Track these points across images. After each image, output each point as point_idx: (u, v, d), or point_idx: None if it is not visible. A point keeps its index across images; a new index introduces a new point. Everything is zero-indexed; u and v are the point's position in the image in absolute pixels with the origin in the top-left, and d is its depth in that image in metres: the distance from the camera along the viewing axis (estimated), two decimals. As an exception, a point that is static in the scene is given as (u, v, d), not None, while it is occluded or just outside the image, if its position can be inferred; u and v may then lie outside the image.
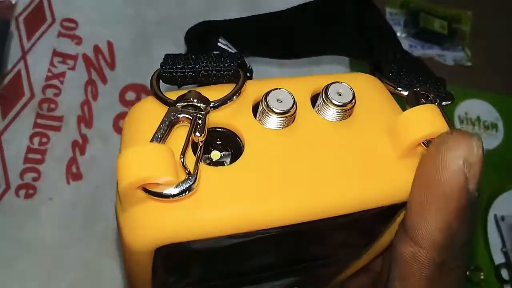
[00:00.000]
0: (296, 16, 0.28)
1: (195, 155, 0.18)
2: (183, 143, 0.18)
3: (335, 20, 0.27)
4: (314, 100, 0.20)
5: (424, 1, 0.54)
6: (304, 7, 0.27)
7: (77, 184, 0.39)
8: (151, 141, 0.18)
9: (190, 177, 0.17)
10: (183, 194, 0.17)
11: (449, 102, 0.22)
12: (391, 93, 0.22)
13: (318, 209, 0.19)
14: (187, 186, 0.17)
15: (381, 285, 0.22)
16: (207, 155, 0.19)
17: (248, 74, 0.22)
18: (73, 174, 0.39)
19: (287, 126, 0.19)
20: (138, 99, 0.42)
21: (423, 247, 0.19)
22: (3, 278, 0.35)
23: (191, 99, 0.19)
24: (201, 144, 0.18)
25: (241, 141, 0.19)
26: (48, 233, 0.37)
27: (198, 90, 0.19)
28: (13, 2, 0.43)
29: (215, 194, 0.18)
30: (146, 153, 0.17)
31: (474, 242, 0.46)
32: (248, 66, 0.21)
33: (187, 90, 0.19)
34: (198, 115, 0.18)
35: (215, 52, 0.20)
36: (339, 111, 0.20)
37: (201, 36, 0.26)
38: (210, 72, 0.20)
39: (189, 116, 0.18)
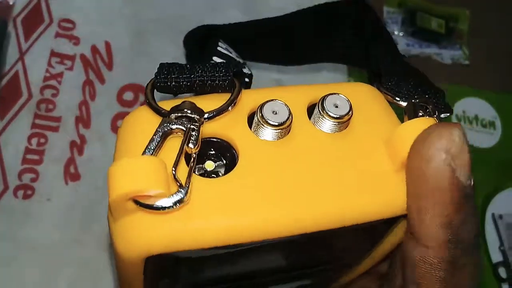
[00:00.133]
0: (295, 21, 0.28)
1: (188, 166, 0.18)
2: (176, 154, 0.18)
3: (333, 27, 0.26)
4: (310, 110, 0.20)
5: (421, 0, 0.55)
6: (303, 12, 0.27)
7: (75, 185, 0.39)
8: (144, 153, 0.18)
9: (182, 190, 0.17)
10: (175, 207, 0.17)
11: (448, 114, 0.22)
12: (389, 103, 0.22)
13: (312, 222, 0.18)
14: (178, 198, 0.17)
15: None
16: (201, 165, 0.19)
17: (247, 80, 0.22)
18: (71, 174, 0.39)
19: (282, 138, 0.19)
20: (136, 99, 0.42)
21: (430, 247, 0.19)
22: (1, 278, 0.35)
23: (185, 110, 0.19)
24: (194, 155, 0.18)
25: (236, 152, 0.19)
26: (46, 234, 0.37)
27: (193, 100, 0.19)
28: (11, 2, 0.43)
29: (207, 205, 0.18)
30: (137, 166, 0.17)
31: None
32: (247, 70, 0.21)
33: (182, 100, 0.19)
34: (192, 126, 0.18)
35: (211, 62, 0.20)
36: (336, 123, 0.20)
37: (201, 40, 0.26)
38: (205, 81, 0.19)
39: (183, 128, 0.18)
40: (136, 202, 0.17)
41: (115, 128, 0.41)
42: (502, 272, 0.45)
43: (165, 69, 0.20)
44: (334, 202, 0.19)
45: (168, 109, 0.19)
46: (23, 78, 0.41)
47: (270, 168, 0.19)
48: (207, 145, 0.19)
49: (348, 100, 0.20)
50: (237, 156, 0.19)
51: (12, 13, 0.42)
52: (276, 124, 0.19)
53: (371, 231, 0.22)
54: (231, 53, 0.25)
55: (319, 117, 0.20)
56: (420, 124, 0.19)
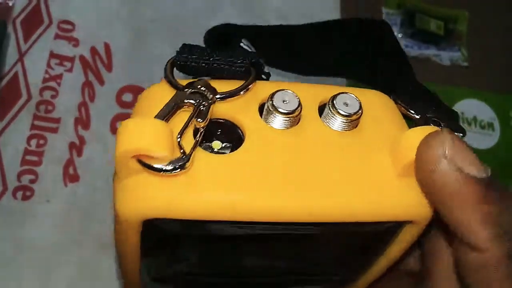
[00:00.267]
0: (314, 33, 0.28)
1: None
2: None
3: (351, 44, 0.27)
4: (321, 110, 0.21)
5: (420, 2, 0.55)
6: (323, 25, 0.27)
7: (74, 186, 0.39)
8: (154, 117, 0.18)
9: (184, 156, 0.18)
10: (175, 171, 0.18)
11: (461, 135, 0.22)
12: (402, 114, 0.22)
13: (309, 211, 0.19)
14: (179, 164, 0.18)
15: None
16: (208, 143, 0.20)
17: (264, 77, 0.22)
18: (71, 175, 0.39)
19: (290, 128, 0.20)
20: (135, 100, 0.42)
21: (482, 248, 0.18)
22: (0, 279, 0.35)
23: (199, 86, 0.19)
24: (202, 130, 0.19)
25: (243, 135, 0.20)
26: (45, 235, 0.37)
27: (209, 81, 0.20)
28: (10, 4, 0.43)
29: (210, 177, 0.18)
30: (146, 126, 0.17)
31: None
32: (265, 69, 0.22)
33: (198, 79, 0.20)
34: (203, 102, 0.19)
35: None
36: (345, 121, 0.20)
37: (221, 36, 0.26)
38: (222, 66, 0.20)
39: (194, 102, 0.19)
40: (140, 161, 0.17)
41: (114, 129, 0.41)
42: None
43: (186, 49, 0.21)
44: (332, 195, 0.19)
45: (184, 85, 0.20)
46: (23, 79, 0.41)
47: (274, 154, 0.19)
48: (216, 126, 0.20)
49: (358, 100, 0.20)
50: (244, 139, 0.20)
51: (12, 14, 0.43)
52: (286, 112, 0.19)
53: (373, 239, 0.23)
54: (252, 50, 0.26)
55: (328, 114, 0.20)
56: (426, 131, 0.19)
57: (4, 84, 0.40)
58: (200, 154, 0.19)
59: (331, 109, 0.20)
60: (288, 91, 0.20)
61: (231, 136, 0.20)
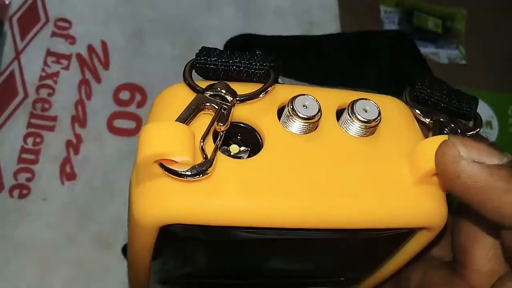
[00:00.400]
0: (334, 44, 0.28)
1: (214, 144, 0.18)
2: (205, 130, 0.18)
3: (371, 54, 0.27)
4: (339, 114, 0.21)
5: (418, 0, 0.55)
6: (343, 37, 0.28)
7: (71, 184, 0.39)
8: (176, 121, 0.18)
9: (206, 161, 0.18)
10: (197, 177, 0.17)
11: (474, 131, 0.22)
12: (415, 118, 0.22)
13: (328, 217, 0.19)
14: (202, 169, 0.17)
15: None
16: (226, 147, 0.20)
17: (281, 82, 0.22)
18: (67, 174, 0.39)
19: (308, 133, 0.20)
20: (132, 98, 0.42)
21: None
22: (-3, 278, 0.35)
23: (220, 89, 0.19)
24: (222, 133, 0.19)
25: (261, 139, 0.20)
26: (42, 233, 0.37)
27: (228, 83, 0.20)
28: (7, 2, 0.43)
29: (231, 183, 0.18)
30: (168, 130, 0.17)
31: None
32: (280, 80, 0.22)
33: (217, 81, 0.20)
34: (224, 105, 0.19)
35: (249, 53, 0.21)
36: (363, 127, 0.20)
37: (243, 45, 0.26)
38: (241, 68, 0.20)
39: (215, 105, 0.19)
40: (162, 166, 0.17)
41: (111, 127, 0.41)
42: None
43: (205, 51, 0.20)
44: (352, 202, 0.19)
45: (204, 87, 0.20)
46: (19, 77, 0.41)
47: (293, 159, 0.19)
48: (234, 129, 0.20)
49: (378, 107, 0.20)
50: (262, 144, 0.19)
51: (8, 12, 0.42)
52: (306, 117, 0.19)
53: (385, 243, 0.23)
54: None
55: (347, 119, 0.20)
56: (437, 142, 0.19)
57: (0, 82, 0.40)
58: (221, 158, 0.18)
59: (350, 115, 0.20)
60: (309, 96, 0.19)
61: (249, 139, 0.20)
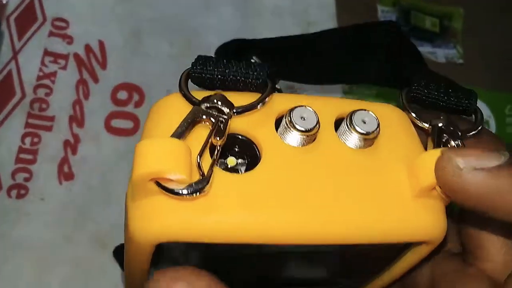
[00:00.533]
0: (330, 41, 0.28)
1: (211, 158, 0.18)
2: (202, 143, 0.18)
3: (367, 48, 0.27)
4: (337, 123, 0.20)
5: (416, -1, 0.55)
6: (338, 33, 0.27)
7: (69, 184, 0.39)
8: (171, 136, 0.18)
9: (203, 179, 0.17)
10: (194, 195, 0.17)
11: (474, 131, 0.22)
12: (414, 125, 0.22)
13: (326, 232, 0.19)
14: (199, 187, 0.17)
15: None
16: (223, 160, 0.19)
17: (278, 87, 0.22)
18: (65, 174, 0.39)
19: (306, 145, 0.19)
20: (130, 98, 0.42)
21: None
22: (-5, 278, 0.35)
23: (216, 101, 0.19)
24: (219, 147, 0.18)
25: (259, 152, 0.19)
26: (40, 233, 0.37)
27: (224, 93, 0.20)
28: (4, 1, 0.42)
29: (229, 200, 0.18)
30: (164, 147, 0.17)
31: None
32: (277, 84, 0.21)
33: (214, 92, 0.20)
34: (221, 118, 0.19)
35: (246, 61, 0.20)
36: (361, 138, 0.20)
37: (232, 53, 0.26)
38: (238, 78, 0.20)
39: (212, 118, 0.19)
40: (158, 184, 0.17)
41: (109, 127, 0.41)
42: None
43: (201, 60, 0.20)
44: (350, 217, 0.19)
45: (200, 98, 0.19)
46: (17, 77, 0.41)
47: (291, 173, 0.19)
48: (231, 141, 0.19)
49: (377, 118, 0.20)
50: (260, 156, 0.19)
51: (5, 12, 0.42)
52: (303, 129, 0.19)
53: (383, 256, 0.23)
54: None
55: (345, 131, 0.20)
56: (436, 155, 0.19)
57: (-2, 82, 0.40)
58: (217, 173, 0.18)
59: (349, 126, 0.20)
60: (307, 107, 0.19)
61: (246, 152, 0.20)
